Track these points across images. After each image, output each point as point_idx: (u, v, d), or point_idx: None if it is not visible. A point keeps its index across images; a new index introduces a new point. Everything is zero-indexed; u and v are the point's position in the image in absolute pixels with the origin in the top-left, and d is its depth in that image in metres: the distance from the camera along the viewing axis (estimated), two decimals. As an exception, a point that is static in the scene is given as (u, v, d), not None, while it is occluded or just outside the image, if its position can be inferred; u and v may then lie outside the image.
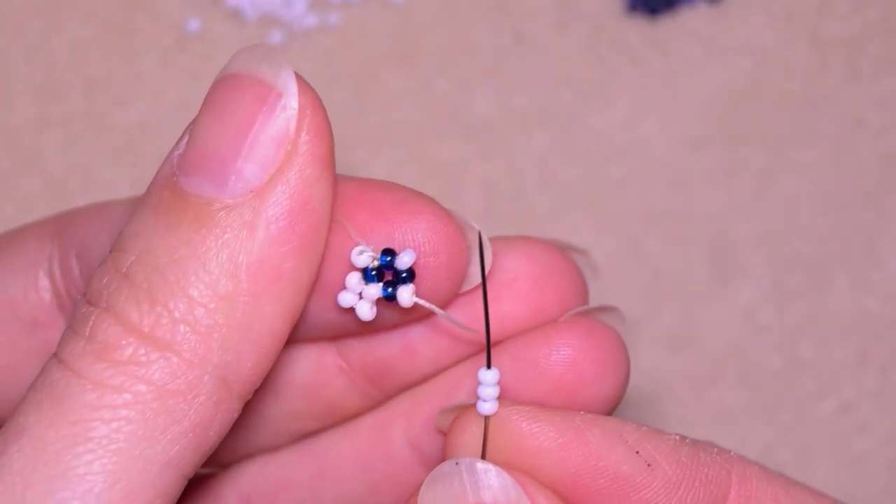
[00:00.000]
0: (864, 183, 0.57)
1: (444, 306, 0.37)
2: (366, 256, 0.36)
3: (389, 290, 0.36)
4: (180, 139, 0.35)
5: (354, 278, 0.36)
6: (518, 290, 0.39)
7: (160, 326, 0.33)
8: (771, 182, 0.57)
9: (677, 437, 0.36)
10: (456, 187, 0.57)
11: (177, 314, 0.33)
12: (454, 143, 0.58)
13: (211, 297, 0.33)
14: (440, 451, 0.39)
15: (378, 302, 0.36)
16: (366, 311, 0.36)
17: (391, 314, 0.37)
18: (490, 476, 0.34)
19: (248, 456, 0.42)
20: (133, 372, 0.33)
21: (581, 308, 0.39)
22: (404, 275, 0.36)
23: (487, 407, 0.35)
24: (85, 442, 0.32)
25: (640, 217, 0.57)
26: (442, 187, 0.57)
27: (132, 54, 0.58)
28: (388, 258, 0.36)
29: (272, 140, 0.34)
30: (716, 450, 0.37)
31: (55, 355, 0.34)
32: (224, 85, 0.35)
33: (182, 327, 0.33)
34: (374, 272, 0.36)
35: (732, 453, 0.37)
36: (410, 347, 0.39)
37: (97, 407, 0.32)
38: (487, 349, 0.36)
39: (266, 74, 0.34)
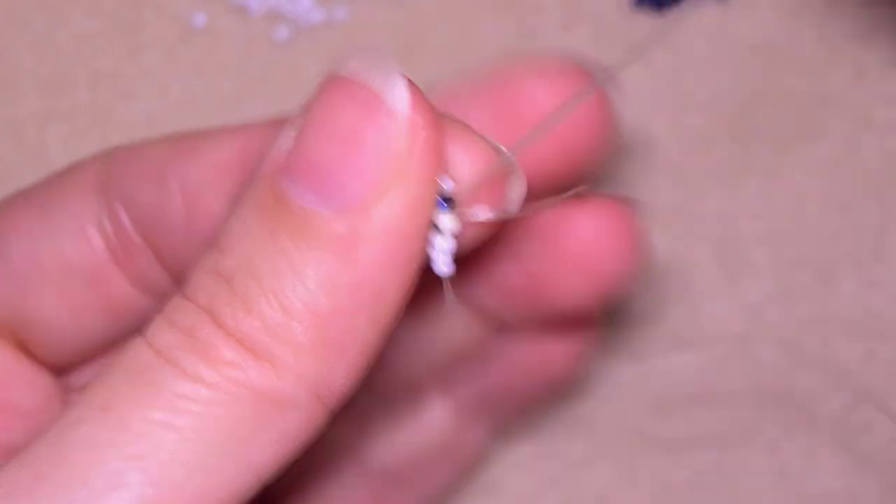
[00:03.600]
0: (872, 181, 0.57)
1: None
2: (448, 184, 0.35)
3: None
4: (287, 127, 0.34)
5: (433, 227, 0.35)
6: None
7: (258, 338, 0.33)
8: (778, 180, 0.57)
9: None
10: (461, 183, 0.57)
11: (273, 327, 0.33)
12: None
13: (308, 314, 0.33)
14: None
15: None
16: (448, 264, 0.35)
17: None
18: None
19: None
20: (230, 374, 0.32)
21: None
22: (444, 203, 0.35)
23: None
24: (172, 431, 0.32)
25: (647, 214, 0.57)
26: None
27: (137, 48, 0.58)
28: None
29: (381, 155, 0.33)
30: None
31: (146, 340, 0.33)
32: (331, 87, 0.34)
33: (279, 342, 0.33)
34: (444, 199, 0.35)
35: None
36: None
37: (191, 399, 0.32)
38: None
39: (381, 84, 0.33)
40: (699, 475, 0.56)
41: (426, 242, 0.35)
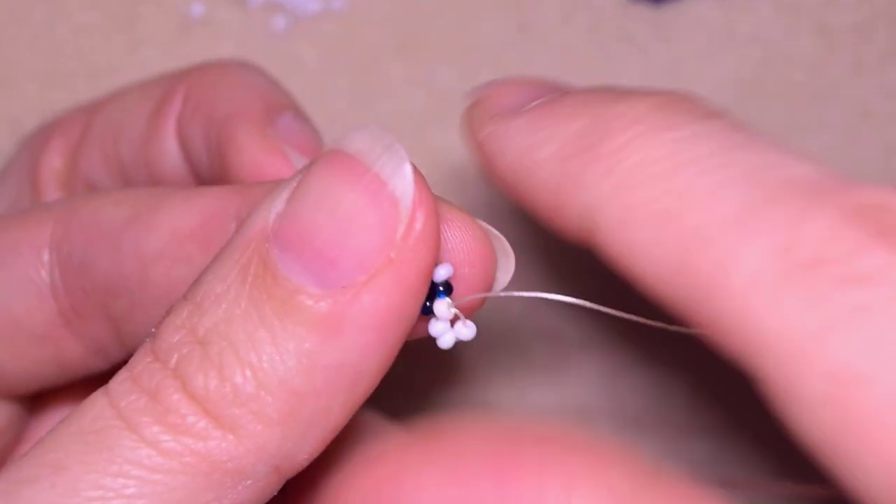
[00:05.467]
0: (871, 174, 0.57)
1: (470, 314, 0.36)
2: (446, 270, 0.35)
3: (427, 304, 0.35)
4: (280, 190, 0.33)
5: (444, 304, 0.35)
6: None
7: (226, 407, 0.32)
8: (776, 173, 0.57)
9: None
10: (459, 177, 0.57)
11: (245, 399, 0.32)
12: (457, 133, 0.57)
13: (282, 390, 0.32)
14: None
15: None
16: (450, 340, 0.35)
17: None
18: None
19: None
20: (189, 443, 0.32)
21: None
22: (441, 288, 0.35)
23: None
24: (123, 499, 0.31)
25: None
26: (445, 177, 0.57)
27: (136, 41, 0.58)
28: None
29: (377, 241, 0.32)
30: None
31: (108, 398, 0.33)
32: (336, 163, 0.33)
33: (247, 413, 0.32)
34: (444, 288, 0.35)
35: None
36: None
37: (145, 467, 0.32)
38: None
39: (385, 168, 0.32)
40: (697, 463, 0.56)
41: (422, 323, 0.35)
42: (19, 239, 0.40)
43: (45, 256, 0.40)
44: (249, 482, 0.32)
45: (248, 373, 0.32)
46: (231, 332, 0.32)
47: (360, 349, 0.32)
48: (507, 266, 0.36)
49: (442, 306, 0.34)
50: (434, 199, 0.33)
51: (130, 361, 0.33)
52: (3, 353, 0.40)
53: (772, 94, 0.57)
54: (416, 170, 0.33)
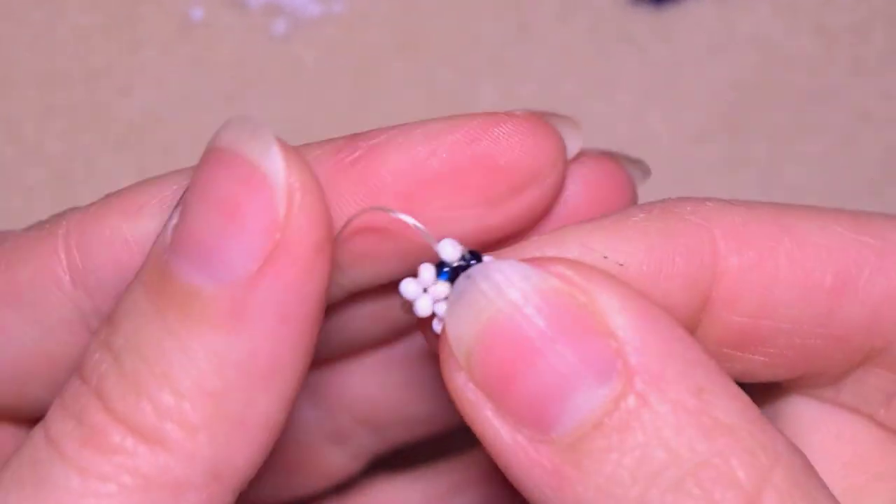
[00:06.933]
0: (869, 175, 0.57)
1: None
2: (456, 250, 0.33)
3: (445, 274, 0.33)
4: (175, 207, 0.33)
5: (428, 271, 0.33)
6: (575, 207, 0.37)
7: (147, 420, 0.31)
8: (775, 173, 0.57)
9: (642, 216, 0.35)
10: (459, 177, 0.57)
11: (163, 409, 0.31)
12: (458, 133, 0.58)
13: (198, 393, 0.31)
14: None
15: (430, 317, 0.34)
16: (426, 308, 0.33)
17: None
18: (507, 272, 0.32)
19: None
20: (120, 462, 0.31)
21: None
22: (446, 269, 0.33)
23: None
24: None
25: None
26: (445, 177, 0.57)
27: (135, 43, 0.58)
28: (475, 261, 0.33)
29: (259, 226, 0.31)
30: (689, 208, 0.35)
31: (44, 427, 0.32)
32: (209, 161, 0.32)
33: (169, 423, 0.31)
34: (448, 270, 0.33)
35: (709, 203, 0.35)
36: None
37: (81, 495, 0.31)
38: None
39: (252, 152, 0.32)
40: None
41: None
42: (36, 272, 0.39)
43: (68, 287, 0.38)
44: (190, 494, 0.31)
45: (162, 382, 0.31)
46: (140, 345, 0.32)
47: (267, 337, 0.32)
48: (576, 135, 0.36)
49: (441, 288, 0.33)
50: (311, 173, 0.32)
51: (63, 387, 0.33)
52: (41, 391, 0.39)
53: (770, 96, 0.57)
54: (288, 147, 0.32)
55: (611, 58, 0.58)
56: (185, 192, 0.33)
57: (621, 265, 0.34)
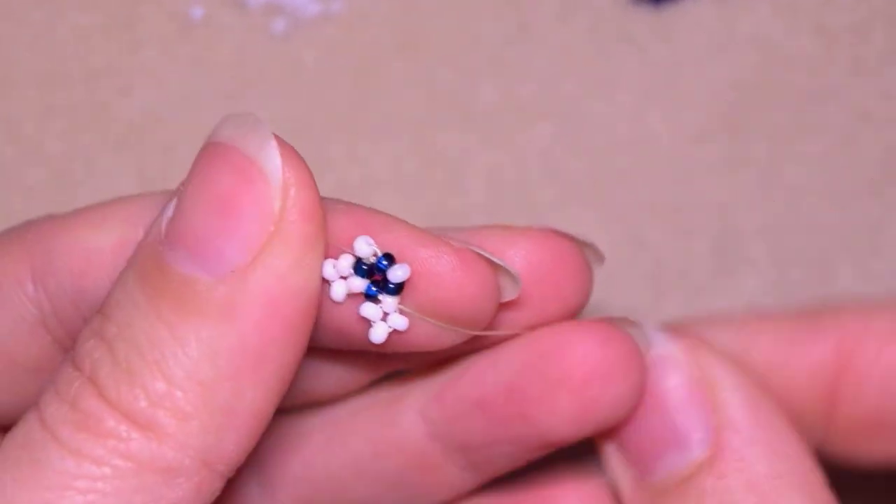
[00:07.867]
0: (869, 175, 0.57)
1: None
2: (370, 248, 0.35)
3: (374, 290, 0.35)
4: (170, 200, 0.34)
5: (346, 261, 0.35)
6: (527, 282, 0.38)
7: (140, 408, 0.32)
8: (775, 174, 0.57)
9: (783, 318, 0.39)
10: (459, 178, 0.57)
11: (155, 397, 0.32)
12: (457, 134, 0.58)
13: (190, 382, 0.32)
14: (447, 421, 0.39)
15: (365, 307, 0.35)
16: (341, 293, 0.35)
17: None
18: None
19: None
20: (113, 446, 0.32)
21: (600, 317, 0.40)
22: (392, 286, 0.35)
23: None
24: None
25: (644, 208, 0.57)
26: (445, 178, 0.57)
27: (135, 43, 0.58)
28: (387, 262, 0.35)
29: (254, 218, 0.32)
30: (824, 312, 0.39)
31: (38, 411, 0.33)
32: (207, 154, 0.33)
33: (161, 411, 0.32)
34: (365, 267, 0.35)
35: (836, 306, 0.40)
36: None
37: (75, 476, 0.32)
38: None
39: (250, 147, 0.33)
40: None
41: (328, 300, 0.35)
42: (2, 273, 0.40)
43: (30, 289, 0.39)
44: (181, 480, 0.32)
45: (155, 371, 0.32)
46: (133, 334, 0.33)
47: (257, 328, 0.32)
48: (514, 287, 0.37)
49: (388, 302, 0.35)
50: (307, 169, 0.33)
51: (54, 374, 0.34)
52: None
53: (770, 96, 0.57)
54: (284, 143, 0.33)
55: (611, 58, 0.58)
56: (181, 185, 0.34)
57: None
